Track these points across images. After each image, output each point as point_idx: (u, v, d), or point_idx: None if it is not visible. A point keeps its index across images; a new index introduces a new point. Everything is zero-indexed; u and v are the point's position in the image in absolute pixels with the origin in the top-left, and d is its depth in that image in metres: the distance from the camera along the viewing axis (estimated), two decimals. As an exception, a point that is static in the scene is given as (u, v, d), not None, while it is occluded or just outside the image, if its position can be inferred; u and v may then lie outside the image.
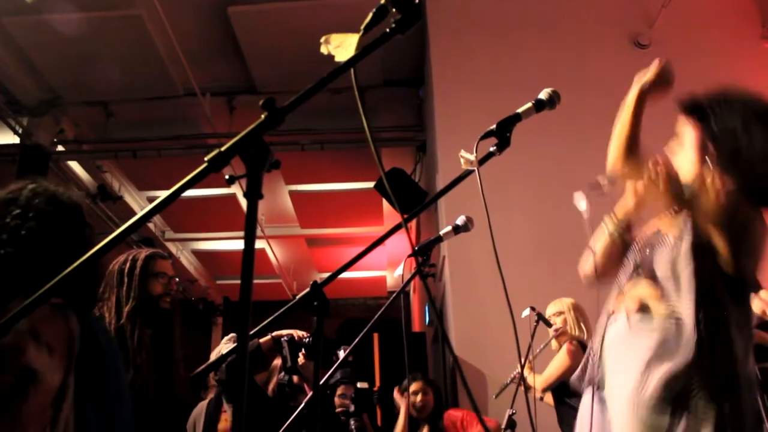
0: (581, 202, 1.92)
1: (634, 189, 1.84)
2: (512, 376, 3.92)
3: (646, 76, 1.86)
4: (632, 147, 1.85)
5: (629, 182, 1.85)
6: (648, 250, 1.78)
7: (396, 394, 4.29)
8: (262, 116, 0.88)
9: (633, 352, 1.67)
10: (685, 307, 1.59)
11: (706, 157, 1.68)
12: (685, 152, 1.79)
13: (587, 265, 1.95)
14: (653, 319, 1.67)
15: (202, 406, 4.15)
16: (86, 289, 1.41)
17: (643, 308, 1.70)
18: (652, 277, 1.73)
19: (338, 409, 4.06)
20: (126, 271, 2.45)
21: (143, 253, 2.55)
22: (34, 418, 1.18)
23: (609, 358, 1.79)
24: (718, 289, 1.60)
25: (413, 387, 4.06)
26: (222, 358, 2.34)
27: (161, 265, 2.56)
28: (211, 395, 5.37)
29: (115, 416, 1.41)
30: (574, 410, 3.66)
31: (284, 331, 3.38)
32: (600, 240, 1.92)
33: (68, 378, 1.26)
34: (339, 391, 4.16)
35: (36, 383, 1.17)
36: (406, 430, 4.05)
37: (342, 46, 1.16)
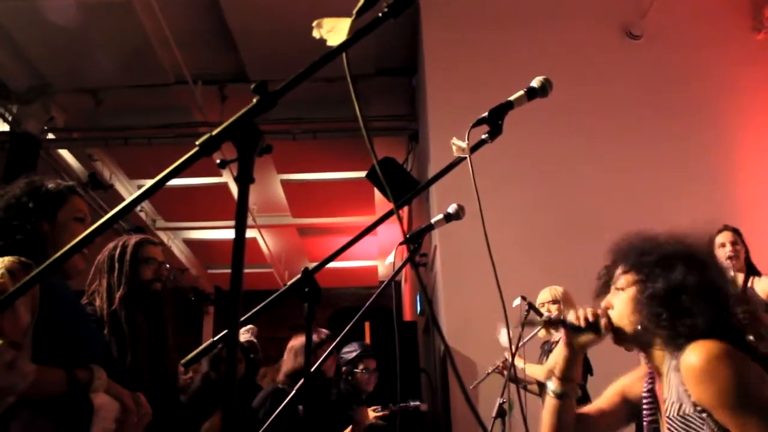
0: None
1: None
2: (494, 366, 3.93)
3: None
4: None
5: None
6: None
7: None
8: (254, 100, 0.88)
9: None
10: None
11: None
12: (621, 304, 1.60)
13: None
14: None
15: None
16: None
17: None
18: None
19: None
20: (116, 257, 2.47)
21: (133, 239, 2.57)
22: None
23: None
24: None
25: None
26: (211, 345, 2.32)
27: (151, 250, 2.57)
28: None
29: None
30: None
31: None
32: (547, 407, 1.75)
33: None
34: (361, 366, 3.97)
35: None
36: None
37: (334, 31, 1.16)
